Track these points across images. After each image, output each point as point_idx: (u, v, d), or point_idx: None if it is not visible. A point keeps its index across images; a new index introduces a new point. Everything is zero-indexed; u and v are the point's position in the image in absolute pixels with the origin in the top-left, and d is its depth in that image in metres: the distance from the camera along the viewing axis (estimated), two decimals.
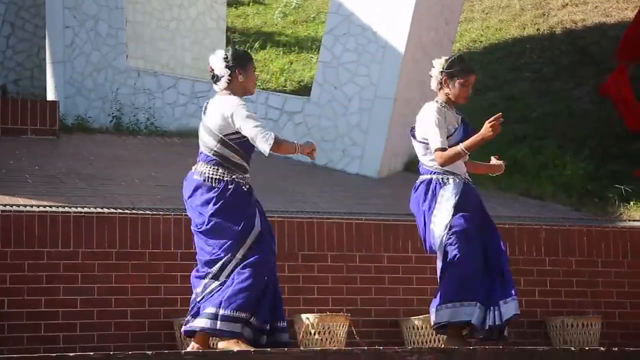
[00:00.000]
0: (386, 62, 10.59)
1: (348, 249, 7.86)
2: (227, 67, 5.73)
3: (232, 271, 5.63)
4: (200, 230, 5.74)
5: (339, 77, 10.83)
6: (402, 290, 7.83)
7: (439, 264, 6.20)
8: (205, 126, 5.78)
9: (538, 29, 14.28)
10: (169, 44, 12.58)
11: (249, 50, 5.86)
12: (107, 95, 11.84)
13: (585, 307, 8.15)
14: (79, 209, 7.52)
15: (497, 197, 9.92)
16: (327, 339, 7.31)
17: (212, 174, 5.70)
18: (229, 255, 5.64)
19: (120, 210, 7.55)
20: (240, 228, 5.64)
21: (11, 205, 7.45)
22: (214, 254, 5.67)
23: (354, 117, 10.70)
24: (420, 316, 7.54)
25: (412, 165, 11.03)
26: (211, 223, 5.67)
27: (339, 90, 10.80)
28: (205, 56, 13.07)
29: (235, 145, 5.71)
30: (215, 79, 5.80)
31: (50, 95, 12.05)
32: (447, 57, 6.22)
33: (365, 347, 5.17)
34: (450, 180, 6.19)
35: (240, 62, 5.75)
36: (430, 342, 7.42)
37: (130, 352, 4.97)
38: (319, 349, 5.33)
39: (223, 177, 5.70)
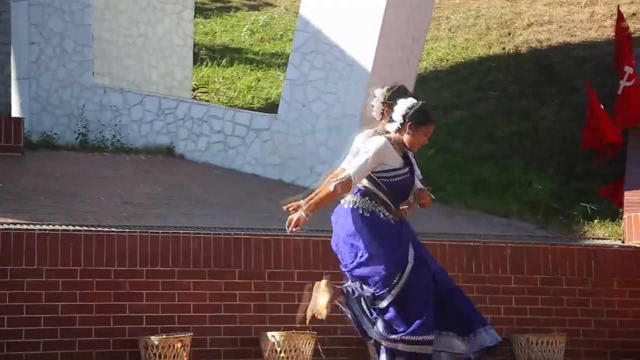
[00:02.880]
0: (353, 80, 10.61)
1: (314, 266, 7.83)
2: (403, 116, 5.72)
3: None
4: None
5: (306, 94, 10.84)
6: None
7: None
8: None
9: (504, 48, 14.38)
10: (136, 61, 12.54)
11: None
12: (73, 112, 11.78)
13: (550, 324, 8.17)
14: (44, 227, 7.46)
15: (463, 215, 9.96)
16: (293, 357, 7.29)
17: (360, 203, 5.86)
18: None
19: (86, 228, 7.49)
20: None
21: None
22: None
23: (321, 134, 10.71)
24: None
25: None
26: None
27: (307, 108, 10.81)
28: (172, 73, 13.30)
29: (381, 183, 5.77)
30: (391, 119, 5.80)
31: (15, 112, 11.97)
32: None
33: None
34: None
35: (415, 119, 5.71)
36: None
37: None
38: None
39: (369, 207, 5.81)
